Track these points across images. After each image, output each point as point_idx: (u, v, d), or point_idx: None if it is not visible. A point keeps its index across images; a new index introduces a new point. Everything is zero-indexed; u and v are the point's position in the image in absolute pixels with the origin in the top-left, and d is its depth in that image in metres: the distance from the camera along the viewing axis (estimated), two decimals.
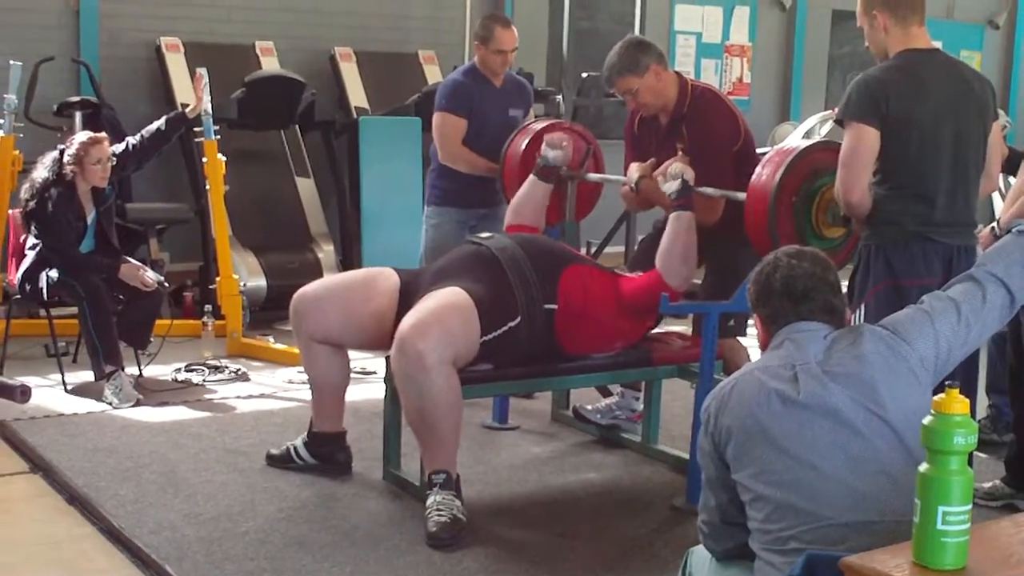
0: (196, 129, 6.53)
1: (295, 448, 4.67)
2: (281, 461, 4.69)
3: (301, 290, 4.54)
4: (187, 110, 6.38)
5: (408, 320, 4.03)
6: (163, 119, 6.27)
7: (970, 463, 2.23)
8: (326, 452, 4.64)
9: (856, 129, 3.68)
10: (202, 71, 6.49)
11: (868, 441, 2.61)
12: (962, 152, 3.78)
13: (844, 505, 2.55)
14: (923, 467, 2.19)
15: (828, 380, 2.67)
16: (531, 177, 5.01)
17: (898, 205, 3.71)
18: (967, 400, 2.20)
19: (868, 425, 2.63)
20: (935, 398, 2.20)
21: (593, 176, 5.28)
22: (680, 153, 4.68)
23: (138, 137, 6.19)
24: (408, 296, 4.30)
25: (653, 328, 4.73)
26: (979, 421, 2.93)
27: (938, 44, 3.93)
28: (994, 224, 4.78)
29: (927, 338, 2.78)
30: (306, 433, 4.67)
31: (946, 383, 2.21)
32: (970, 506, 2.17)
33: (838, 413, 2.63)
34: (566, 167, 5.20)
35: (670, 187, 4.51)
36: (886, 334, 2.78)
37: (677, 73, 4.86)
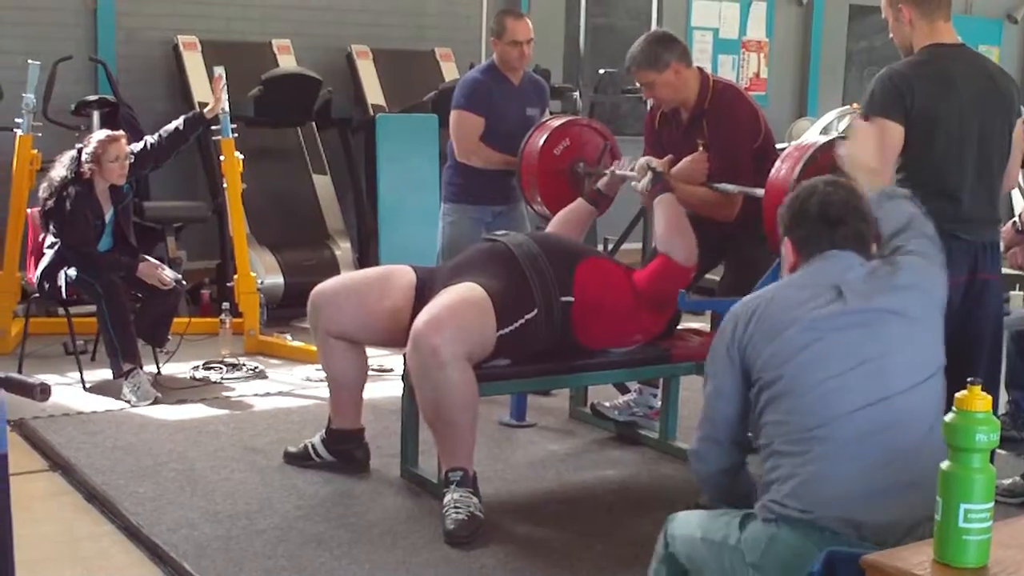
0: (213, 127, 6.54)
1: (313, 445, 4.67)
2: (299, 459, 4.69)
3: (318, 287, 4.54)
4: (205, 110, 6.39)
5: (422, 316, 4.03)
6: (181, 119, 6.28)
7: (991, 459, 2.21)
8: (344, 449, 4.64)
9: (879, 124, 3.65)
10: (220, 71, 6.49)
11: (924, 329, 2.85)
12: (986, 148, 3.75)
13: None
14: (945, 464, 2.17)
15: (874, 293, 2.80)
16: (579, 200, 4.98)
17: (924, 201, 3.67)
18: (989, 397, 2.18)
19: (923, 324, 2.85)
20: (957, 395, 2.18)
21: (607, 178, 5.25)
22: (701, 149, 4.66)
23: (156, 136, 6.20)
24: (424, 293, 4.30)
25: (675, 323, 4.70)
26: (999, 417, 2.92)
27: (960, 39, 3.89)
28: (1015, 219, 4.76)
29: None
30: (324, 430, 4.67)
31: (968, 380, 2.19)
32: (992, 504, 2.16)
33: (895, 311, 2.79)
34: (583, 163, 5.19)
35: (644, 183, 4.51)
36: (921, 265, 2.95)
37: (699, 69, 4.83)
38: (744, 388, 2.83)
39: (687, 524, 2.89)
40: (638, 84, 4.89)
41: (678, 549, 2.87)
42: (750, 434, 2.92)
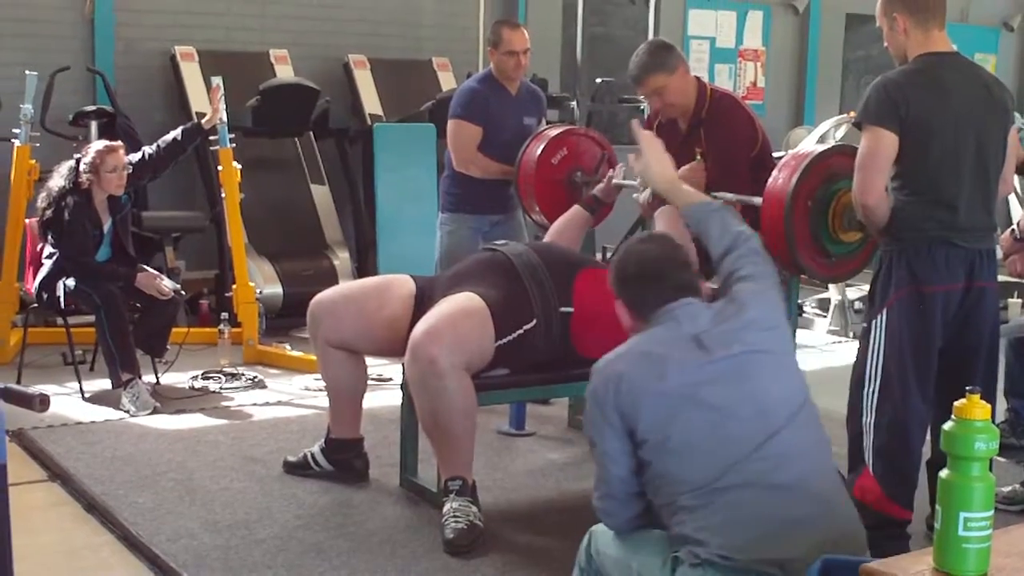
0: (211, 137, 6.55)
1: (312, 455, 4.67)
2: (298, 468, 4.69)
3: (318, 296, 4.54)
4: (203, 121, 6.40)
5: (421, 326, 4.03)
6: (179, 130, 6.29)
7: (990, 467, 2.22)
8: (343, 459, 4.64)
9: (874, 133, 3.65)
10: (218, 82, 6.50)
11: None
12: (982, 156, 3.75)
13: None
14: (944, 473, 2.18)
15: (731, 337, 2.84)
16: (575, 207, 4.98)
17: (920, 210, 3.68)
18: (988, 406, 2.19)
19: (788, 359, 2.94)
20: (956, 403, 2.18)
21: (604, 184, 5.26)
22: (699, 158, 4.67)
23: (154, 147, 6.21)
24: (423, 302, 4.30)
25: None
26: (998, 425, 2.91)
27: (955, 47, 3.90)
28: (1014, 227, 4.76)
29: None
30: (323, 440, 4.67)
31: (967, 389, 2.20)
32: (992, 512, 2.16)
33: (757, 350, 2.84)
34: (581, 172, 5.20)
35: (645, 196, 4.51)
36: (761, 293, 3.00)
37: (697, 78, 4.85)
38: (630, 447, 2.82)
39: (613, 545, 2.91)
40: (645, 95, 4.85)
41: (608, 571, 2.91)
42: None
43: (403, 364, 4.16)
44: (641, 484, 2.84)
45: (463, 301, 4.13)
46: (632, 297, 3.01)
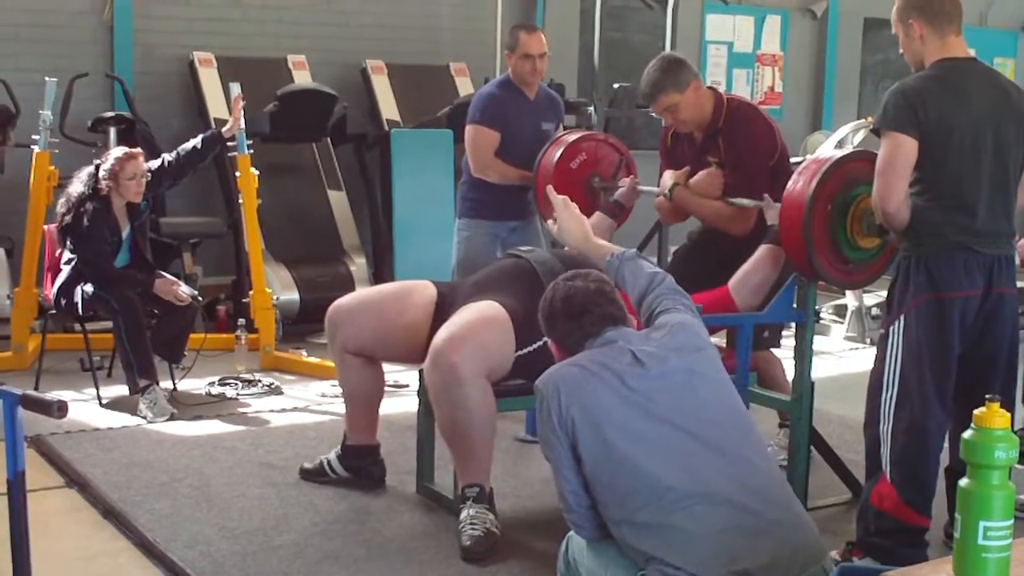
0: (229, 143, 6.56)
1: (329, 462, 4.67)
2: (315, 475, 4.69)
3: (336, 303, 4.54)
4: (223, 129, 6.40)
5: (442, 333, 4.03)
6: (199, 138, 6.31)
7: (1009, 476, 2.20)
8: (360, 465, 4.64)
9: (893, 138, 3.64)
10: (239, 90, 6.51)
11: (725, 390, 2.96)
12: (1001, 161, 3.74)
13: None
14: (963, 481, 2.16)
15: (666, 356, 2.92)
16: (598, 214, 4.97)
17: (939, 216, 3.67)
18: (1007, 414, 2.17)
19: (721, 376, 2.99)
20: (976, 412, 2.17)
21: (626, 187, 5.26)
22: (714, 168, 4.66)
23: (173, 154, 6.22)
24: (444, 309, 4.29)
25: None
26: (1018, 433, 2.89)
27: (972, 52, 3.88)
28: None
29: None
30: (340, 446, 4.67)
31: (986, 396, 2.18)
32: (1012, 521, 2.15)
33: (692, 370, 2.91)
34: (599, 178, 5.19)
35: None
36: (682, 320, 3.08)
37: (711, 88, 4.84)
38: (576, 463, 2.85)
39: (587, 555, 2.95)
40: (658, 113, 4.84)
41: None
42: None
43: (420, 371, 4.16)
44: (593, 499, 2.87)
45: (485, 309, 4.11)
46: (559, 334, 3.10)
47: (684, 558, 2.67)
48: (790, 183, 4.13)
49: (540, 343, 4.15)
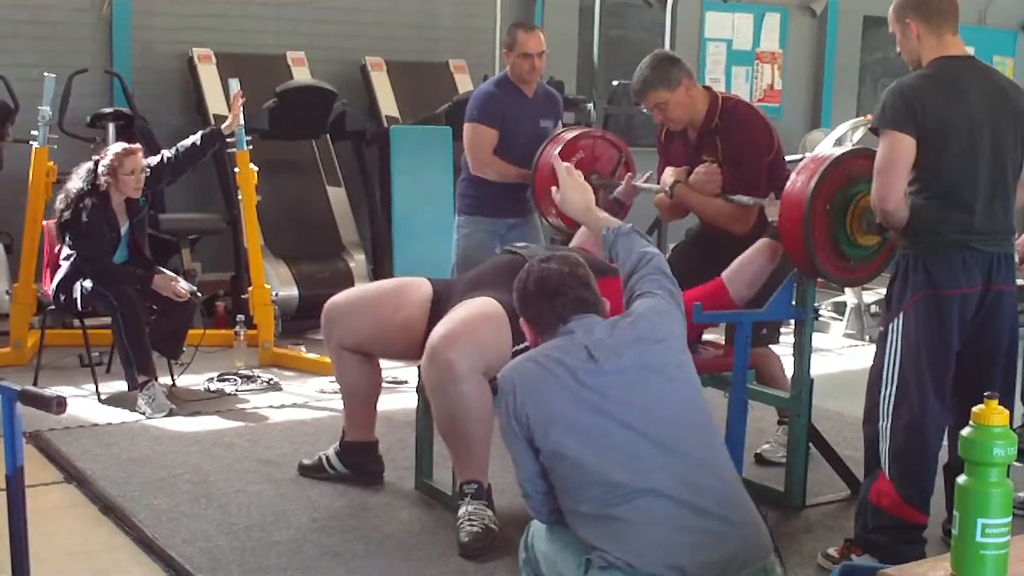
0: (229, 140, 6.56)
1: (327, 458, 4.67)
2: (313, 471, 4.69)
3: (333, 298, 4.54)
4: (223, 126, 6.40)
5: (439, 330, 4.03)
6: (198, 134, 6.30)
7: (1007, 473, 2.21)
8: (358, 462, 4.64)
9: (892, 137, 3.64)
10: (238, 87, 6.51)
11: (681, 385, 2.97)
12: (1000, 159, 3.74)
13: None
14: (962, 479, 2.17)
15: (623, 349, 2.93)
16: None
17: (937, 214, 3.67)
18: (1006, 411, 2.18)
19: (679, 371, 2.99)
20: (974, 409, 2.17)
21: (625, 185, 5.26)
22: (710, 164, 4.67)
23: (173, 151, 6.22)
24: (440, 306, 4.29)
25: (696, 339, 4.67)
26: (1016, 430, 2.89)
27: (970, 50, 3.88)
28: None
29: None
30: (338, 443, 4.67)
31: (985, 394, 2.19)
32: (1010, 518, 2.15)
33: (648, 367, 2.92)
34: (598, 175, 5.19)
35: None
36: (656, 308, 3.11)
37: (706, 87, 4.85)
38: (533, 452, 2.91)
39: (543, 540, 3.02)
40: (647, 109, 4.86)
41: (538, 565, 3.04)
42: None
43: (419, 367, 4.16)
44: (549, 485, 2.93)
45: (481, 306, 4.11)
46: (532, 314, 3.12)
47: (622, 548, 2.73)
48: (790, 181, 4.13)
49: None
